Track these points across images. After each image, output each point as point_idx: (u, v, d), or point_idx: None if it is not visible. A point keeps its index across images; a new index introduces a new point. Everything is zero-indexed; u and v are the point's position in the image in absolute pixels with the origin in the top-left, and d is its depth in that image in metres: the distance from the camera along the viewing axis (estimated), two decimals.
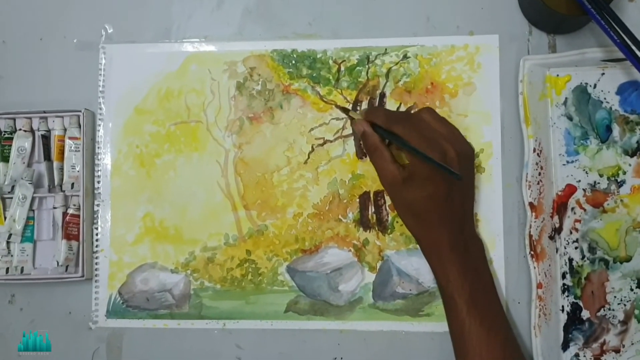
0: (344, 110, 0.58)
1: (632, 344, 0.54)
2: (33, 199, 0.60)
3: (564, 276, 0.56)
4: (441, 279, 0.53)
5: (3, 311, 0.61)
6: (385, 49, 0.60)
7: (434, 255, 0.53)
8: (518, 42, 0.59)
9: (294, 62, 0.61)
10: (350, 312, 0.58)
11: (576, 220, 0.56)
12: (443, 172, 0.50)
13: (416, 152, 0.50)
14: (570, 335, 0.55)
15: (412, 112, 0.58)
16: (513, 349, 0.52)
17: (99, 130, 0.62)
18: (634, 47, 0.51)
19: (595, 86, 0.57)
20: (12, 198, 0.59)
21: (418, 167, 0.51)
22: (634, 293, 0.55)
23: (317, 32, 0.61)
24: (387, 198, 0.59)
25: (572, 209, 0.56)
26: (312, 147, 0.60)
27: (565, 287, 0.56)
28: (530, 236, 0.55)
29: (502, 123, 0.58)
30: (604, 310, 0.55)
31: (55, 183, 0.60)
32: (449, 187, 0.52)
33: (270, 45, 0.61)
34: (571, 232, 0.56)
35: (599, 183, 0.56)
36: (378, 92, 0.60)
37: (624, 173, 0.56)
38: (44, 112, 0.61)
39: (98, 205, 0.61)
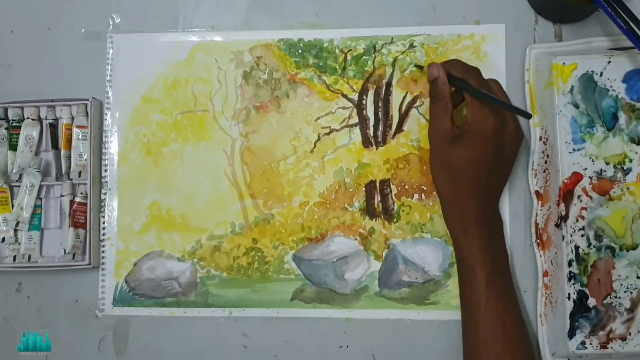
0: (417, 66, 0.59)
1: (639, 331, 0.54)
2: (41, 187, 0.60)
3: (570, 264, 0.56)
4: (463, 248, 0.52)
5: (10, 299, 0.61)
6: (392, 38, 0.60)
7: (458, 222, 0.53)
8: (524, 32, 0.59)
9: (300, 51, 0.61)
10: (356, 301, 0.58)
11: (582, 208, 0.56)
12: (496, 140, 0.51)
13: (488, 97, 0.51)
14: (576, 323, 0.55)
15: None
16: (524, 328, 0.53)
17: (106, 119, 0.62)
18: None
19: (601, 74, 0.57)
20: (20, 186, 0.60)
21: (475, 127, 0.51)
22: None
23: (323, 22, 0.61)
24: (393, 187, 0.59)
25: (579, 196, 0.56)
26: (318, 136, 0.60)
27: (572, 275, 0.55)
28: (537, 224, 0.55)
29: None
30: (610, 298, 0.55)
31: (63, 171, 0.61)
32: (495, 158, 0.52)
33: (276, 35, 0.61)
34: (577, 220, 0.56)
35: (605, 171, 0.56)
36: (384, 81, 0.60)
37: (631, 161, 0.56)
38: (52, 100, 0.61)
39: (105, 193, 0.61)
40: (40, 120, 0.61)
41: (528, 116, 0.51)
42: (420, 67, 0.58)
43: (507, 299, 0.52)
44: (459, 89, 0.54)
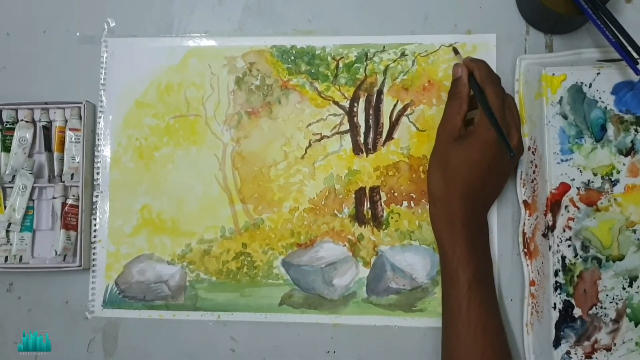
0: (455, 50, 0.59)
1: (624, 342, 0.55)
2: (33, 188, 0.61)
3: (556, 274, 0.56)
4: (448, 251, 0.53)
5: (1, 300, 0.62)
6: (384, 47, 0.61)
7: (445, 224, 0.53)
8: (515, 42, 0.59)
9: (293, 58, 0.61)
10: (343, 307, 0.58)
11: (569, 219, 0.56)
12: (497, 149, 0.51)
13: (490, 115, 0.52)
14: (561, 333, 0.55)
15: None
16: (504, 335, 0.53)
17: (99, 122, 0.62)
18: (629, 48, 0.51)
19: (590, 85, 0.57)
20: (12, 187, 0.60)
21: (480, 132, 0.52)
22: (626, 292, 0.55)
23: (316, 29, 0.62)
24: (383, 194, 0.59)
25: (566, 207, 0.56)
26: (309, 142, 0.61)
27: (558, 284, 0.56)
28: (524, 234, 0.55)
29: None
30: (596, 308, 0.55)
31: (55, 173, 0.61)
32: (492, 167, 0.52)
33: (269, 41, 0.62)
34: (564, 230, 0.56)
35: (592, 182, 0.56)
36: (375, 89, 0.60)
37: (618, 172, 0.56)
38: (46, 103, 0.62)
39: (97, 196, 0.62)
40: (33, 122, 0.62)
41: (512, 154, 0.50)
42: (456, 52, 0.59)
43: (489, 305, 0.52)
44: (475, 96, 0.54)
